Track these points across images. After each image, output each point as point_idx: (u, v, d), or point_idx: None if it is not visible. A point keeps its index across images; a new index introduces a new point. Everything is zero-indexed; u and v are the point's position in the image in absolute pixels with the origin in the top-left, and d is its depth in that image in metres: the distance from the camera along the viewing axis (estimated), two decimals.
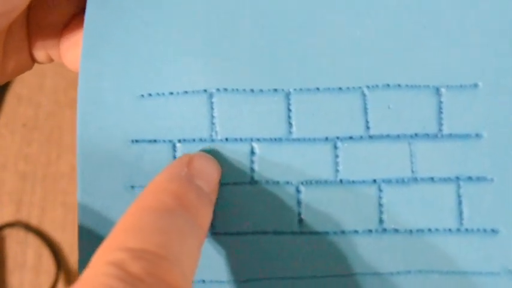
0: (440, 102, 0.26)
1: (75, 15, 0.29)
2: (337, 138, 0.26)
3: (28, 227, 0.55)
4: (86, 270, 0.20)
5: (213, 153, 0.26)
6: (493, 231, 0.25)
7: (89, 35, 0.26)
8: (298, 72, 0.26)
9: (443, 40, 0.25)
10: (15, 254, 0.55)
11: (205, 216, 0.23)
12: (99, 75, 0.26)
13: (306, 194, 0.25)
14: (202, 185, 0.23)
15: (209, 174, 0.24)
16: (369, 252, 0.25)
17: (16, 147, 0.57)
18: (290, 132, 0.26)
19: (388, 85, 0.26)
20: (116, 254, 0.20)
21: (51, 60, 0.30)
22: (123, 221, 0.21)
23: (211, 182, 0.24)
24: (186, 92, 0.26)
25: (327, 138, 0.26)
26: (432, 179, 0.25)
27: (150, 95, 0.26)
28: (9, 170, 0.57)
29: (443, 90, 0.26)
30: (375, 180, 0.25)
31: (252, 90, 0.26)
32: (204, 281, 0.25)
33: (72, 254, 0.55)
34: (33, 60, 0.29)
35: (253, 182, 0.26)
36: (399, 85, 0.26)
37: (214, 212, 0.25)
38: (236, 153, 0.26)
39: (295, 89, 0.26)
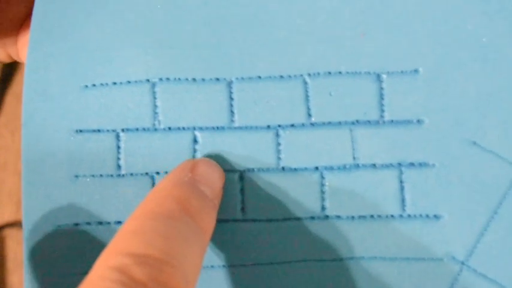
0: (382, 88, 0.26)
1: (32, 13, 0.29)
2: (279, 126, 0.26)
3: None
4: (89, 274, 0.20)
5: (156, 143, 0.26)
6: (436, 216, 0.25)
7: (36, 28, 0.26)
8: (240, 61, 0.26)
9: (384, 27, 0.26)
10: (15, 254, 0.56)
11: (209, 222, 0.23)
12: (45, 67, 0.26)
13: (248, 182, 0.26)
14: (206, 191, 0.23)
15: (213, 180, 0.24)
16: (312, 239, 0.25)
17: (16, 147, 0.58)
18: (232, 121, 0.26)
19: (330, 72, 0.26)
20: (119, 258, 0.20)
21: (11, 58, 0.31)
22: (127, 225, 0.21)
23: (215, 188, 0.24)
24: (129, 82, 0.26)
25: (268, 126, 0.26)
26: (374, 165, 0.25)
27: (94, 85, 0.26)
28: (9, 170, 0.57)
29: (384, 76, 0.26)
30: (317, 168, 0.25)
31: (194, 80, 0.26)
32: None
33: None
34: None
35: None
36: (340, 72, 0.26)
37: None
38: (179, 142, 0.26)
39: (237, 78, 0.26)
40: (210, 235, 0.23)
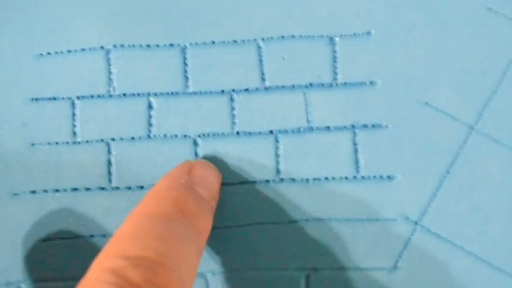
0: (334, 51, 0.26)
1: None
2: (233, 90, 0.26)
3: None
4: (85, 276, 0.20)
5: (111, 109, 0.26)
6: (389, 177, 0.25)
7: None
8: (194, 27, 0.26)
9: None
10: None
11: (205, 223, 0.23)
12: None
13: (203, 147, 0.26)
14: (203, 192, 0.23)
15: (210, 182, 0.24)
16: (267, 202, 0.25)
17: None
18: (186, 86, 0.26)
19: (283, 36, 0.26)
20: (115, 261, 0.20)
21: None
22: (123, 228, 0.21)
23: (212, 189, 0.24)
24: (83, 50, 0.26)
25: (223, 91, 0.26)
26: (328, 128, 0.26)
27: (49, 53, 0.26)
28: None
29: (337, 39, 0.26)
30: (271, 131, 0.26)
31: (148, 46, 0.26)
32: (104, 235, 0.26)
33: None
34: None
35: (151, 136, 0.26)
36: (293, 36, 0.26)
37: (115, 169, 0.26)
38: (134, 108, 0.26)
39: (190, 44, 0.26)
40: (207, 237, 0.23)
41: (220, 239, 0.25)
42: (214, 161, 0.26)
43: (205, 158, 0.26)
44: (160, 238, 0.20)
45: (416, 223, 0.25)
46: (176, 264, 0.20)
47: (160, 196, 0.22)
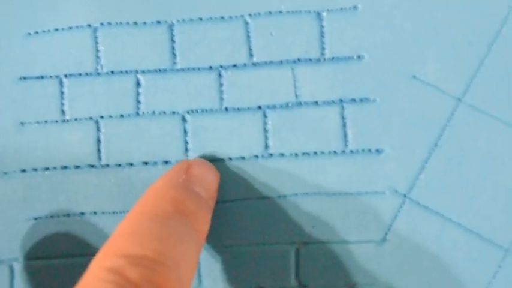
0: (322, 26, 0.26)
1: None
2: (221, 66, 0.26)
3: None
4: (84, 275, 0.20)
5: (99, 87, 0.26)
6: (378, 151, 0.25)
7: None
8: (181, 4, 0.26)
9: None
10: None
11: (204, 222, 0.23)
12: None
13: (192, 123, 0.26)
14: (201, 192, 0.23)
15: (208, 181, 0.24)
16: (256, 177, 0.26)
17: None
18: (174, 63, 0.26)
19: (270, 12, 0.26)
20: (114, 259, 0.20)
21: None
22: (122, 226, 0.21)
23: (210, 188, 0.24)
24: (70, 28, 0.26)
25: (211, 67, 0.26)
26: (316, 102, 0.26)
27: (36, 32, 0.26)
28: None
29: (324, 14, 0.26)
30: (259, 107, 0.26)
31: (136, 23, 0.26)
32: (95, 213, 0.26)
33: None
34: None
35: (139, 113, 0.26)
36: (281, 12, 0.26)
37: (104, 146, 0.26)
38: (122, 85, 0.26)
39: (178, 20, 0.26)
40: (205, 236, 0.23)
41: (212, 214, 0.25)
42: (203, 136, 0.26)
43: (194, 134, 0.26)
44: (158, 237, 0.21)
45: (405, 196, 0.25)
46: (175, 263, 0.20)
47: (159, 195, 0.22)
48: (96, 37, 0.26)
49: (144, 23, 0.26)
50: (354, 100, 0.25)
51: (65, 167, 0.26)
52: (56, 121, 0.26)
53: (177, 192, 0.23)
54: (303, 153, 0.25)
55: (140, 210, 0.22)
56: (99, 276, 0.19)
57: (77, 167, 0.26)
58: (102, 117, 0.26)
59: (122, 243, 0.20)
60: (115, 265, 0.19)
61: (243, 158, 0.26)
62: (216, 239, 0.25)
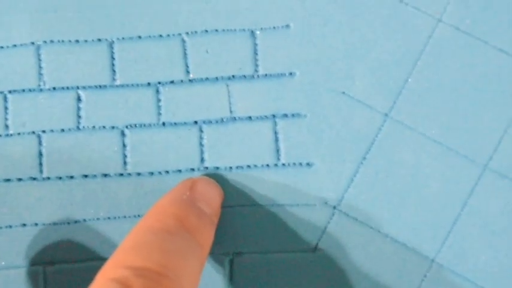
0: (256, 44, 0.27)
1: None
2: (159, 83, 0.27)
3: None
4: (90, 286, 0.21)
5: (42, 102, 0.27)
6: (308, 164, 0.26)
7: None
8: (121, 22, 0.27)
9: None
10: None
11: (207, 237, 0.24)
12: None
13: (130, 137, 0.27)
14: (204, 208, 0.24)
15: (211, 197, 0.25)
16: None
17: None
18: (114, 79, 0.27)
19: (206, 30, 0.27)
20: (120, 271, 0.21)
21: None
22: (127, 240, 0.22)
23: (213, 204, 0.25)
24: (14, 46, 0.27)
25: (149, 84, 0.27)
26: (250, 117, 0.27)
27: None
28: None
29: (257, 32, 0.27)
30: (196, 122, 0.27)
31: (77, 41, 0.27)
32: (36, 224, 0.27)
33: None
34: None
35: (80, 127, 0.27)
36: (216, 30, 0.27)
37: (46, 160, 0.27)
38: (63, 101, 0.27)
39: (118, 38, 0.27)
40: (208, 250, 0.24)
41: None
42: (141, 150, 0.27)
43: (132, 148, 0.27)
44: (162, 251, 0.21)
45: (334, 208, 0.26)
46: (178, 276, 0.21)
47: (163, 211, 0.23)
48: (39, 54, 0.27)
49: (85, 40, 0.27)
50: (285, 115, 0.26)
51: (8, 180, 0.27)
52: (0, 135, 0.27)
53: (181, 208, 0.23)
54: (237, 167, 0.26)
55: (145, 225, 0.23)
56: (105, 286, 0.20)
57: (19, 179, 0.27)
58: (44, 131, 0.27)
59: (127, 256, 0.21)
60: (120, 276, 0.20)
61: (179, 171, 0.27)
62: None
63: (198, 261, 0.23)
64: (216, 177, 0.26)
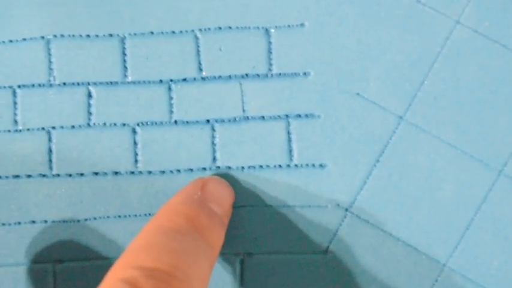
0: (270, 42, 0.26)
1: None
2: (171, 80, 0.26)
3: None
4: (100, 286, 0.21)
5: (52, 98, 0.26)
6: (321, 166, 0.26)
7: None
8: (133, 18, 0.27)
9: None
10: None
11: (217, 238, 0.24)
12: None
13: (142, 135, 0.26)
14: (215, 208, 0.24)
15: (222, 198, 0.25)
16: None
17: None
18: (125, 76, 0.26)
19: (220, 28, 0.26)
20: (129, 271, 0.20)
21: None
22: (137, 240, 0.22)
23: (224, 205, 0.25)
24: (24, 40, 0.27)
25: (161, 81, 0.26)
26: (263, 117, 0.26)
27: None
28: None
29: (272, 31, 0.26)
30: (208, 120, 0.26)
31: (88, 36, 0.27)
32: (46, 221, 0.26)
33: None
34: None
35: (91, 124, 0.26)
36: (230, 27, 0.26)
37: (56, 156, 0.26)
38: (73, 97, 0.26)
39: (129, 34, 0.27)
40: (219, 251, 0.24)
41: None
42: (153, 148, 0.26)
43: (143, 146, 0.26)
44: (172, 251, 0.21)
45: (346, 210, 0.26)
46: (188, 276, 0.21)
47: (174, 211, 0.23)
48: (49, 49, 0.26)
49: (97, 35, 0.27)
50: (299, 116, 0.26)
51: (17, 176, 0.26)
52: (9, 131, 0.26)
53: (192, 208, 0.23)
54: (249, 167, 0.26)
55: (155, 225, 0.23)
56: (114, 287, 0.20)
57: (29, 176, 0.26)
58: (54, 127, 0.26)
59: (136, 256, 0.21)
60: (129, 277, 0.20)
61: (191, 170, 0.26)
62: None
63: (208, 261, 0.23)
64: (227, 177, 0.26)
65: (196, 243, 0.22)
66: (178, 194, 0.24)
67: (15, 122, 0.26)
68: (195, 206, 0.23)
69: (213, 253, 0.23)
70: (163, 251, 0.21)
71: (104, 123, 0.26)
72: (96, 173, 0.26)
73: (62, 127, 0.26)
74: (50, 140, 0.26)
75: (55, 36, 0.26)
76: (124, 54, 0.26)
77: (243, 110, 0.26)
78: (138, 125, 0.26)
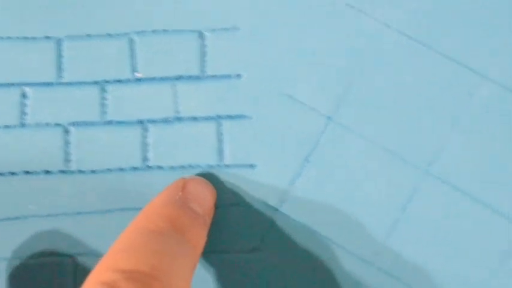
0: (204, 45, 0.27)
1: None
2: (106, 81, 0.27)
3: None
4: None
5: None
6: (251, 166, 0.26)
7: None
8: (70, 20, 0.27)
9: None
10: None
11: (199, 238, 0.24)
12: None
13: (74, 135, 0.27)
14: (196, 208, 0.24)
15: (203, 198, 0.25)
16: (135, 188, 0.26)
17: None
18: (61, 77, 0.27)
19: (155, 30, 0.27)
20: (109, 274, 0.20)
21: None
22: (118, 242, 0.22)
23: (206, 205, 0.25)
24: None
25: (96, 82, 0.27)
26: (195, 118, 0.27)
27: None
28: None
29: (206, 34, 0.27)
30: (141, 121, 0.27)
31: (26, 38, 0.27)
32: None
33: None
34: None
35: (24, 124, 0.27)
36: (165, 30, 0.27)
37: None
38: (8, 97, 0.27)
39: (66, 36, 0.27)
40: (201, 251, 0.24)
41: (83, 224, 0.26)
42: (85, 148, 0.26)
43: (76, 145, 0.26)
44: (153, 252, 0.21)
45: (276, 209, 0.26)
46: (169, 278, 0.21)
47: (154, 212, 0.23)
48: None
49: (34, 38, 0.27)
50: (230, 117, 0.26)
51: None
52: None
53: (173, 209, 0.23)
54: (180, 166, 0.26)
55: (136, 227, 0.22)
56: None
57: None
58: None
59: (117, 258, 0.21)
60: (110, 280, 0.20)
61: (122, 169, 0.26)
62: (90, 248, 0.26)
63: (190, 262, 0.22)
64: (158, 176, 0.26)
65: (177, 243, 0.22)
66: (159, 195, 0.24)
67: None
68: (176, 207, 0.23)
69: (194, 254, 0.23)
70: (143, 252, 0.21)
71: (38, 123, 0.27)
72: (28, 172, 0.26)
73: None
74: None
75: None
76: (61, 55, 0.27)
77: (176, 111, 0.27)
78: (71, 124, 0.27)
